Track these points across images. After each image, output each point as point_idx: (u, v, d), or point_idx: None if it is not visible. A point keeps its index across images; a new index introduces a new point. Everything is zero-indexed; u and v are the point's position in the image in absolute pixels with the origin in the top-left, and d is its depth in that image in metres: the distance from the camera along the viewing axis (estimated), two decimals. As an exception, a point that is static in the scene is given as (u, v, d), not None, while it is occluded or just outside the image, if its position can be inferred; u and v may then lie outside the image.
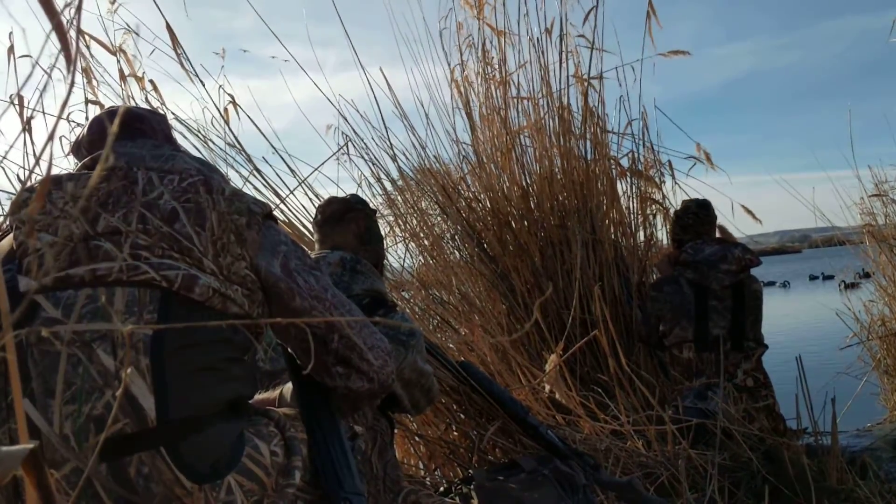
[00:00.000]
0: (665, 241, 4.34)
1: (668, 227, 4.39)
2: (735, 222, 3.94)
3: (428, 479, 2.91)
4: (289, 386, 1.55)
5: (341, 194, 2.28)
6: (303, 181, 3.18)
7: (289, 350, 1.44)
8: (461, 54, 4.36)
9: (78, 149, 1.44)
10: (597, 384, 3.35)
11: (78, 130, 1.60)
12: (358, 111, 3.80)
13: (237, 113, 3.30)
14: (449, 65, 4.35)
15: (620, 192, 4.36)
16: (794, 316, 14.43)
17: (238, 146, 3.20)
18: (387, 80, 3.91)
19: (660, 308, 3.53)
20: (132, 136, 1.38)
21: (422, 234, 3.97)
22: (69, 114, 2.57)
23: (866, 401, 4.94)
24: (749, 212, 4.17)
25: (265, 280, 1.30)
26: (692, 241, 3.60)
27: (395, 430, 2.15)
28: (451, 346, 3.39)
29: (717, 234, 3.84)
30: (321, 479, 1.32)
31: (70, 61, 0.52)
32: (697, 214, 3.67)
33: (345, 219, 2.07)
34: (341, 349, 1.36)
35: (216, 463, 1.19)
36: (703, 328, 3.46)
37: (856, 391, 4.38)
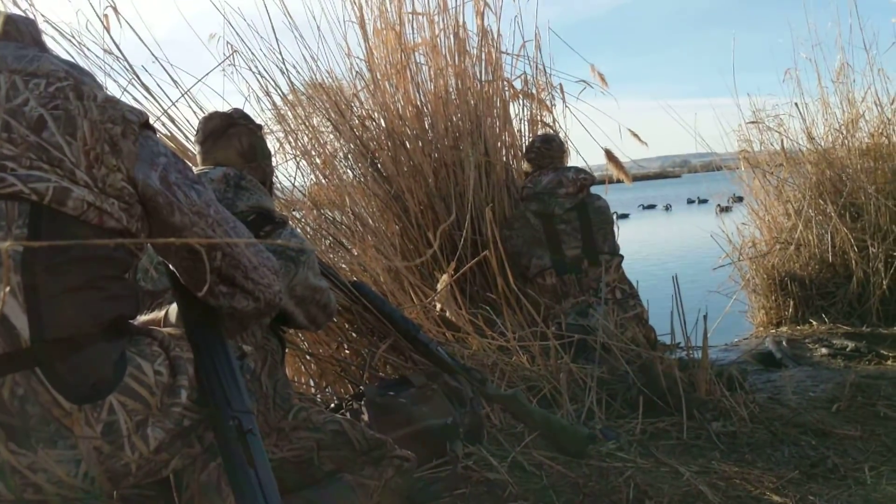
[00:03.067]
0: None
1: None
2: (622, 146, 4.06)
3: (319, 396, 2.93)
4: (174, 306, 1.51)
5: (227, 108, 2.19)
6: (185, 92, 3.03)
7: (171, 268, 1.39)
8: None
9: None
10: (486, 302, 3.44)
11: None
12: (245, 20, 3.63)
13: (118, 19, 3.09)
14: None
15: (513, 115, 4.40)
16: (673, 238, 15.15)
17: (117, 54, 3.00)
18: (277, -11, 3.74)
19: (514, 245, 3.66)
20: None
21: (313, 152, 3.88)
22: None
23: (735, 318, 5.29)
24: (636, 135, 4.29)
25: (143, 193, 1.24)
26: (531, 175, 3.77)
27: (286, 350, 2.14)
28: (343, 266, 3.38)
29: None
30: (209, 397, 1.30)
31: None
32: (540, 149, 3.84)
33: (227, 134, 1.99)
34: (224, 268, 1.33)
35: (97, 383, 1.17)
36: (558, 253, 3.64)
37: (725, 308, 4.67)
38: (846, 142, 5.42)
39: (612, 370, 3.01)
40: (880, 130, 5.30)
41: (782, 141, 5.70)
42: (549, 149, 3.85)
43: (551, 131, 4.38)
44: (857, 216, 5.09)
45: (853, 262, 4.86)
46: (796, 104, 5.59)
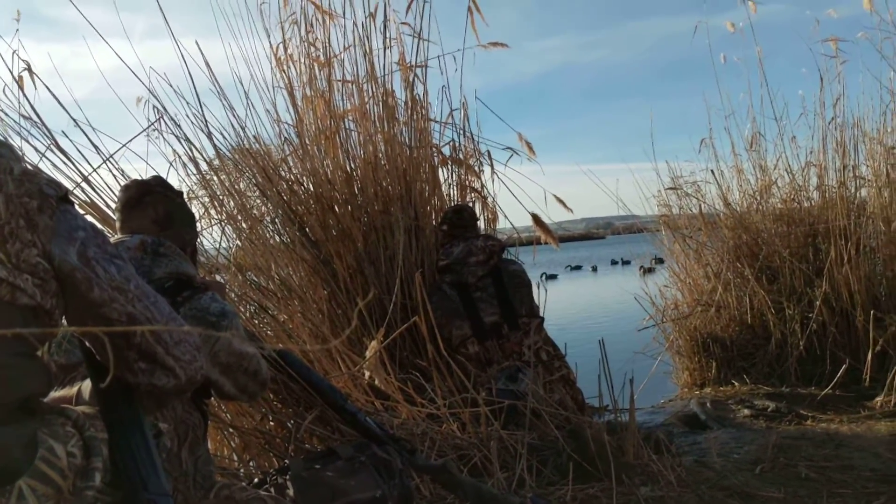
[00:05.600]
0: (483, 228, 4.49)
1: (486, 214, 4.54)
2: (547, 210, 4.14)
3: (242, 470, 2.83)
4: (87, 382, 1.44)
5: (151, 173, 2.16)
6: (108, 158, 2.96)
7: (86, 343, 1.33)
8: (283, 31, 4.24)
9: None
10: (415, 368, 3.41)
11: None
12: (171, 84, 3.59)
13: (33, 81, 3.01)
14: (270, 42, 4.21)
15: (442, 180, 4.45)
16: (600, 299, 15.42)
17: (34, 117, 2.92)
18: (202, 54, 3.72)
19: (435, 317, 3.68)
20: None
21: (240, 217, 3.83)
22: None
23: (661, 379, 5.38)
24: (560, 201, 4.37)
25: (60, 269, 1.20)
26: (444, 247, 3.83)
27: (209, 422, 2.06)
28: (269, 332, 3.31)
29: (490, 229, 4.09)
30: (124, 480, 1.24)
31: None
32: (452, 219, 3.91)
33: (142, 202, 1.94)
34: (144, 344, 1.28)
35: (6, 468, 1.10)
36: (476, 321, 3.66)
37: (651, 370, 4.75)
38: (760, 207, 5.67)
39: (542, 436, 3.00)
40: (792, 196, 5.57)
41: (700, 206, 5.94)
42: (460, 219, 3.92)
43: (484, 195, 4.45)
44: (774, 279, 5.29)
45: (771, 323, 5.03)
46: (712, 171, 5.85)
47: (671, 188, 6.17)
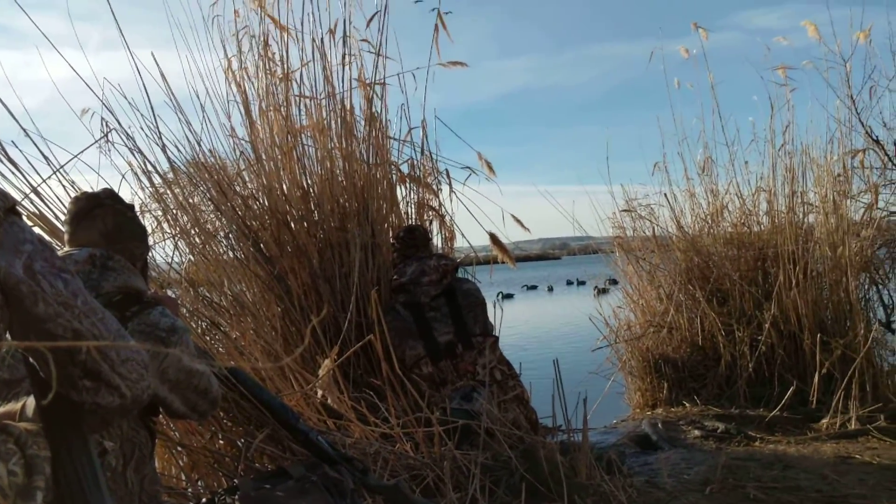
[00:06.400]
0: (440, 247, 4.50)
1: (444, 233, 4.55)
2: (505, 230, 4.16)
3: (190, 490, 2.76)
4: (32, 398, 1.40)
5: (103, 185, 2.11)
6: (58, 169, 2.89)
7: (30, 359, 1.29)
8: (239, 45, 4.21)
9: None
10: (369, 387, 3.38)
11: None
12: (125, 96, 3.53)
13: (-20, 89, 2.94)
14: (226, 55, 4.17)
15: (400, 198, 4.44)
16: (555, 319, 15.53)
17: (-19, 127, 2.84)
18: (158, 66, 3.67)
19: (389, 338, 3.67)
20: None
21: (193, 232, 3.77)
22: None
23: (614, 399, 5.44)
24: (518, 221, 4.40)
25: (4, 282, 1.16)
26: (397, 266, 3.83)
27: (156, 441, 2.02)
28: (220, 349, 3.25)
29: (446, 248, 4.11)
30: (66, 499, 1.20)
31: None
32: (404, 239, 3.92)
33: (91, 215, 1.91)
34: (89, 361, 1.24)
35: None
36: (430, 340, 3.64)
37: (604, 390, 4.79)
38: (712, 230, 5.78)
39: (496, 456, 3.00)
40: (742, 220, 5.70)
41: (653, 228, 6.04)
42: (412, 239, 3.91)
43: (442, 213, 4.46)
44: (724, 301, 5.39)
45: (721, 345, 5.11)
46: (665, 194, 5.96)
47: (626, 210, 6.28)
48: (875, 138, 5.14)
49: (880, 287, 5.15)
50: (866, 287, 5.13)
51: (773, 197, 5.52)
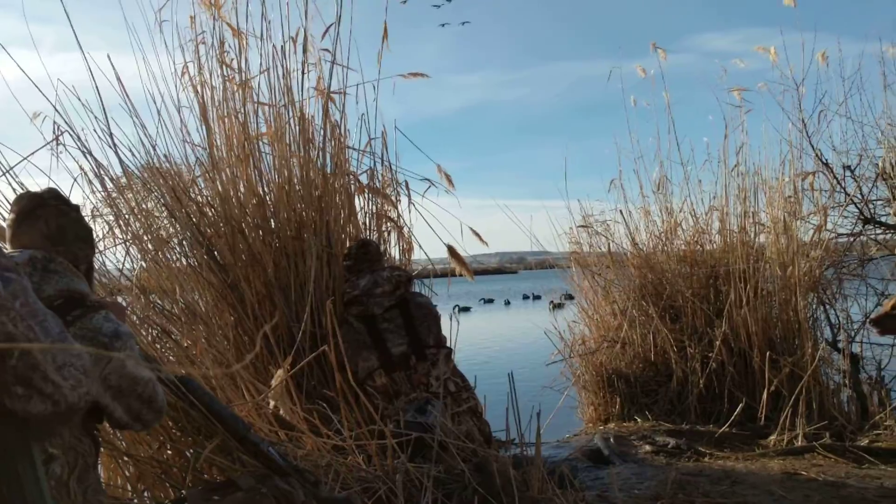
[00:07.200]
0: (398, 258, 4.48)
1: (402, 245, 4.53)
2: (463, 243, 4.15)
3: (135, 501, 2.69)
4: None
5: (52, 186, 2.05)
6: (7, 171, 2.81)
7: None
8: (197, 49, 4.15)
9: None
10: (322, 399, 3.34)
11: None
12: (79, 98, 3.46)
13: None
14: (184, 59, 4.12)
15: (358, 208, 4.42)
16: (511, 332, 15.59)
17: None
18: (114, 68, 3.61)
19: (342, 351, 3.65)
20: None
21: (146, 238, 3.69)
22: None
23: (567, 413, 5.46)
24: (476, 234, 4.41)
25: None
26: (349, 280, 3.82)
27: (101, 450, 1.96)
28: (171, 358, 3.18)
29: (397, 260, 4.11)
30: (6, 509, 1.16)
31: None
32: (357, 253, 3.90)
33: (34, 216, 1.85)
34: (21, 367, 1.19)
35: None
36: (384, 352, 3.63)
37: (558, 404, 4.80)
38: (665, 248, 5.86)
39: (449, 469, 2.98)
40: (695, 239, 5.79)
41: (609, 244, 6.10)
42: (365, 252, 3.90)
43: (400, 225, 4.44)
44: (677, 318, 5.47)
45: (673, 361, 5.18)
46: (621, 211, 6.03)
47: (582, 226, 6.34)
48: (825, 161, 5.28)
49: (827, 307, 5.27)
50: (814, 306, 5.24)
51: (726, 216, 5.62)
